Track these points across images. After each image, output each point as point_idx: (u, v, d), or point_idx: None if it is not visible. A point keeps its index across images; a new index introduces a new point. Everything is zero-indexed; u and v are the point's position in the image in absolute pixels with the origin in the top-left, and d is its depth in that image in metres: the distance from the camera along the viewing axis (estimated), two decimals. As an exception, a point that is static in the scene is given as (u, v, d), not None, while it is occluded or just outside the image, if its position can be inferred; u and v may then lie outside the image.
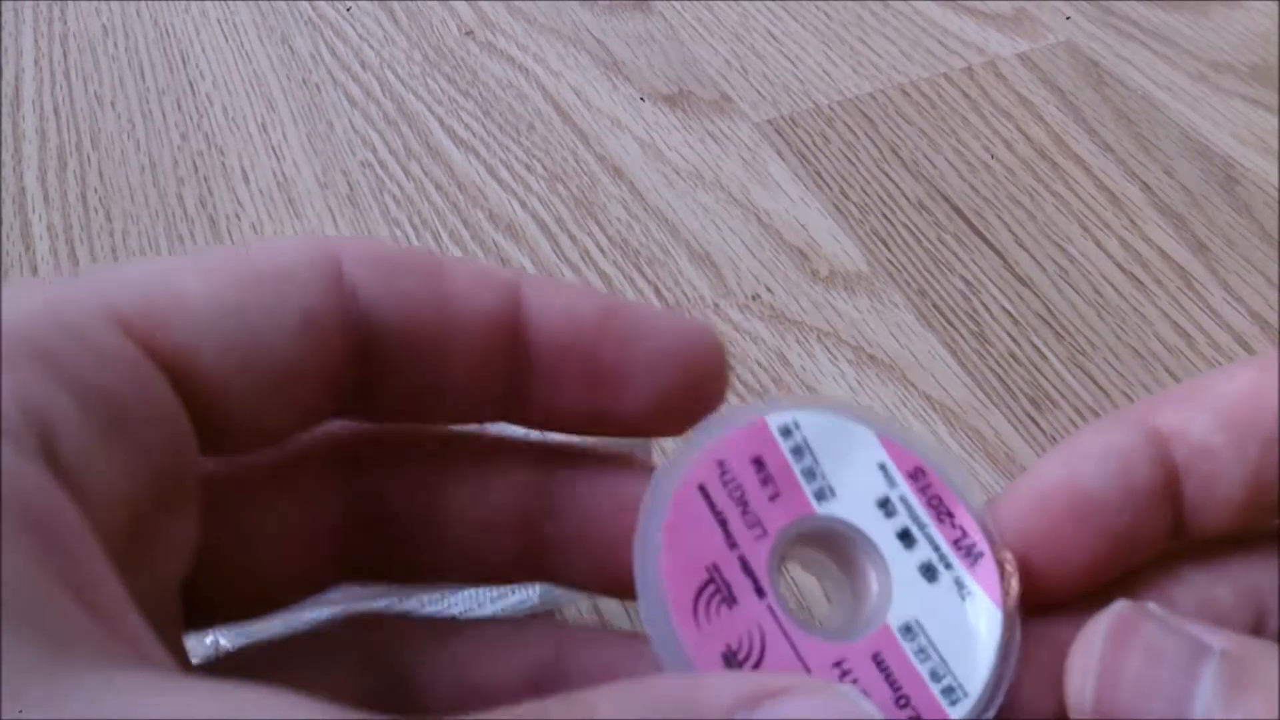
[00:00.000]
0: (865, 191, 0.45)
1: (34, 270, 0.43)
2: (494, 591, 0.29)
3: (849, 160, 0.46)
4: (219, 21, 0.56)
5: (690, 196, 0.45)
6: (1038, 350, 0.38)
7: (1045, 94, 0.49)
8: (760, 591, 0.16)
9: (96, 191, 0.46)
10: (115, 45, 0.55)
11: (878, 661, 0.16)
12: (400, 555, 0.18)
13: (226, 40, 0.55)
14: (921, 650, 0.16)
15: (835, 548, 0.17)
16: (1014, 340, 0.39)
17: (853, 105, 0.49)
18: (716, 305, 0.40)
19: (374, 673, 0.17)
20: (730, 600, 0.16)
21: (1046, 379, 0.37)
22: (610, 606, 0.32)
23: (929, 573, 0.17)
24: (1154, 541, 0.17)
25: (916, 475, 0.17)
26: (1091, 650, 0.16)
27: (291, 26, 0.56)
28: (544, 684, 0.17)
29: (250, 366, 0.15)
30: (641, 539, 0.16)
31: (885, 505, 0.17)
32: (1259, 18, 0.53)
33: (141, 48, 0.55)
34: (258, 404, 0.15)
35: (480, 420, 0.17)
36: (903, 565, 0.17)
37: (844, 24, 0.54)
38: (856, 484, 0.17)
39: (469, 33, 0.55)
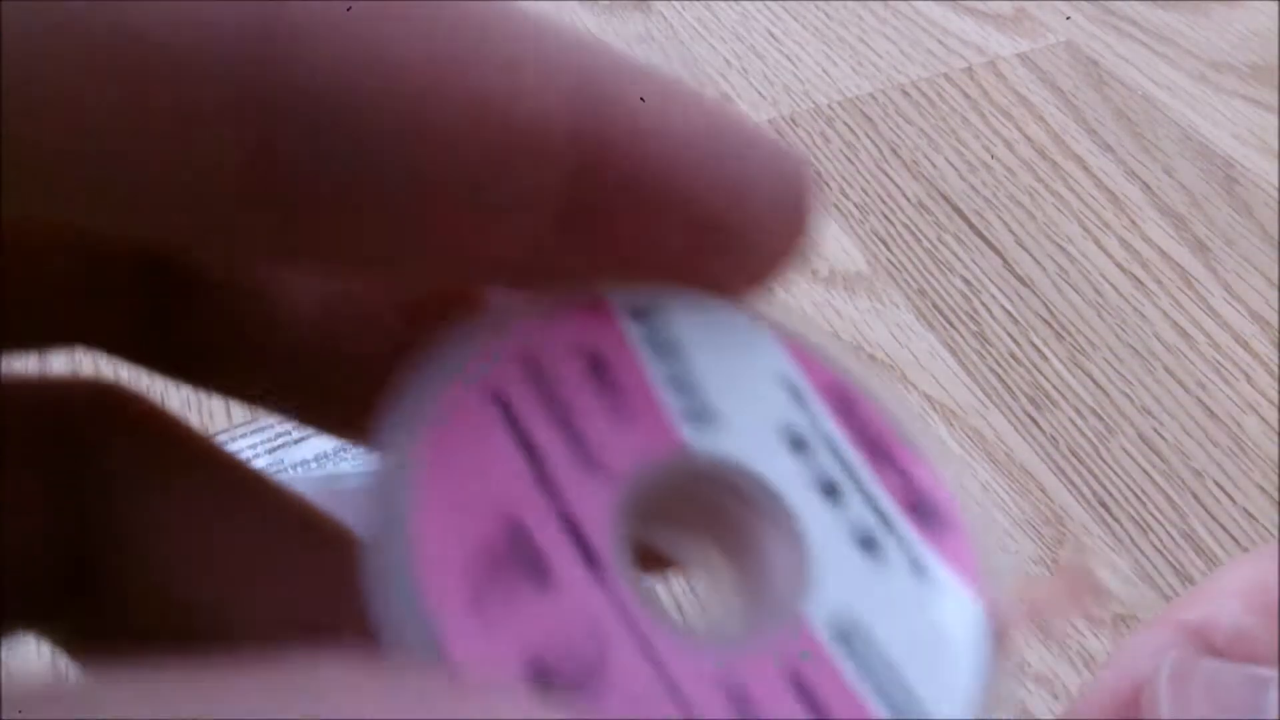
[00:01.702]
0: (865, 191, 0.45)
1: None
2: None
3: (849, 160, 0.46)
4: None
5: (690, 196, 0.45)
6: (1038, 350, 0.38)
7: (1045, 94, 0.49)
8: (594, 563, 0.10)
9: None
10: (115, 45, 0.55)
11: (796, 683, 0.10)
12: (192, 337, 0.12)
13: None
14: (863, 663, 0.10)
15: (718, 508, 0.11)
16: (1014, 340, 0.39)
17: (853, 105, 0.49)
18: (716, 305, 0.40)
19: (62, 509, 0.11)
20: (540, 577, 0.09)
21: (1046, 379, 0.37)
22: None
23: (868, 545, 0.11)
24: None
25: (841, 400, 0.11)
26: (1157, 698, 0.16)
27: (291, 26, 0.56)
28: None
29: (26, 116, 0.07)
30: (385, 477, 0.09)
31: (796, 441, 0.11)
32: (1259, 18, 0.53)
33: (141, 48, 0.55)
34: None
35: (478, 275, 0.10)
36: (826, 534, 0.11)
37: (844, 24, 0.54)
38: (751, 406, 0.11)
39: (469, 33, 0.55)
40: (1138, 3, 0.54)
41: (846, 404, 0.11)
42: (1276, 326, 0.39)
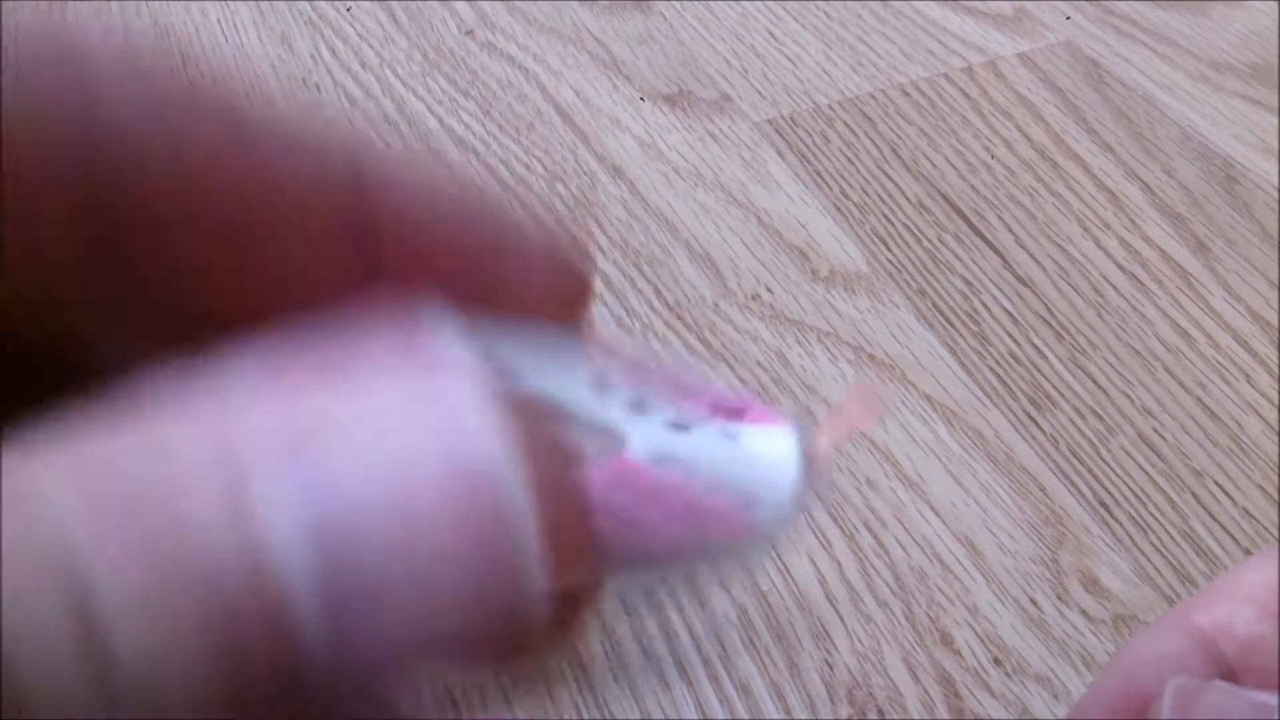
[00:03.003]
0: (865, 191, 0.45)
1: (34, 270, 0.43)
2: None
3: (849, 160, 0.46)
4: (219, 21, 0.56)
5: (690, 196, 0.45)
6: (1038, 350, 0.38)
7: (1045, 94, 0.49)
8: None
9: (96, 191, 0.46)
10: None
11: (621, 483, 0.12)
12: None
13: (226, 40, 0.55)
14: (686, 475, 0.12)
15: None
16: (1014, 340, 0.39)
17: (853, 105, 0.49)
18: (716, 305, 0.40)
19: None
20: None
21: (1046, 379, 0.37)
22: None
23: (680, 428, 0.13)
24: None
25: (637, 366, 0.13)
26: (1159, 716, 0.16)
27: (291, 26, 0.56)
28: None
29: None
30: None
31: (603, 383, 0.13)
32: (1259, 18, 0.53)
33: (141, 48, 0.55)
34: None
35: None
36: (639, 427, 0.12)
37: (844, 24, 0.54)
38: (555, 366, 0.13)
39: (469, 32, 0.55)
40: (1138, 3, 0.54)
41: (642, 368, 0.13)
42: (1276, 326, 0.39)
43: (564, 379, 0.13)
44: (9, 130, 0.09)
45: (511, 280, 0.13)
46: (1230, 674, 0.17)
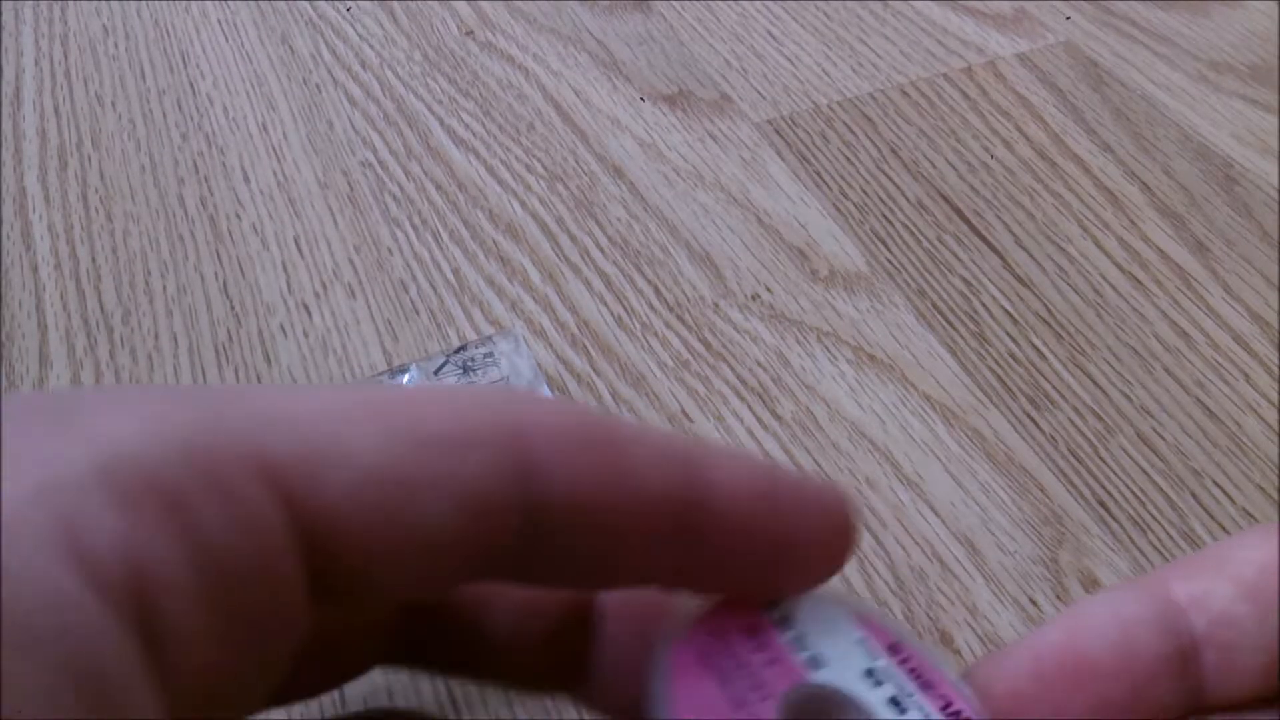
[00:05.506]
0: (865, 191, 0.45)
1: (34, 270, 0.43)
2: None
3: (849, 160, 0.46)
4: (219, 21, 0.56)
5: (690, 196, 0.45)
6: (1037, 350, 0.38)
7: (1045, 94, 0.49)
8: None
9: (97, 191, 0.46)
10: (115, 45, 0.55)
11: None
12: (445, 649, 0.19)
13: (227, 40, 0.55)
14: None
15: (831, 715, 0.18)
16: (1014, 340, 0.39)
17: (852, 105, 0.49)
18: (716, 305, 0.40)
19: None
20: None
21: (1046, 379, 0.37)
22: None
23: None
24: (1161, 711, 0.17)
25: (895, 650, 0.18)
26: None
27: (291, 26, 0.56)
28: None
29: (402, 541, 0.13)
30: (651, 705, 0.16)
31: (872, 675, 0.17)
32: (1259, 18, 0.53)
33: (141, 48, 0.55)
34: (396, 573, 0.14)
35: (638, 586, 0.16)
36: None
37: (844, 24, 0.54)
38: (843, 655, 0.17)
39: (469, 33, 0.55)
40: (1138, 3, 0.54)
41: (898, 651, 0.18)
42: (1276, 326, 0.39)
43: (847, 663, 0.17)
44: (463, 491, 0.13)
45: (802, 544, 0.16)
46: (1192, 647, 0.17)
